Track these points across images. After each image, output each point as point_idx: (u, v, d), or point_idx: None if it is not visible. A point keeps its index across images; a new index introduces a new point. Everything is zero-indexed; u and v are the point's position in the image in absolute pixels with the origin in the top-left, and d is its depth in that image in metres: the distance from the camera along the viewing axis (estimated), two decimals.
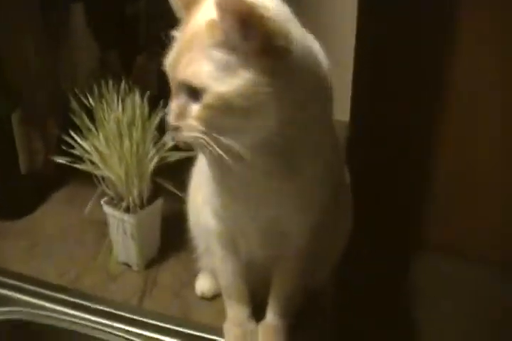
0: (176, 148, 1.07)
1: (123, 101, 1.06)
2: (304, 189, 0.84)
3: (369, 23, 1.34)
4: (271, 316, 1.01)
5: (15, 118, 1.21)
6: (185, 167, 1.04)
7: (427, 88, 1.64)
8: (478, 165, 1.76)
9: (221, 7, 0.65)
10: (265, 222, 0.89)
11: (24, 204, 1.30)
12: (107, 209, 1.12)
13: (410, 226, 1.89)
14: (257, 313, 1.02)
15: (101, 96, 1.07)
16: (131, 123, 1.04)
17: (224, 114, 0.70)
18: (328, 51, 0.79)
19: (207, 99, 0.70)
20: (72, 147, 1.09)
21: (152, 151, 1.06)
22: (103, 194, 1.12)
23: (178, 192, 1.08)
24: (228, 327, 1.01)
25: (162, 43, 0.76)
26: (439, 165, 1.78)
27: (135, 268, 1.15)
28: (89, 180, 1.12)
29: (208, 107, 0.70)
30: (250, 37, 0.66)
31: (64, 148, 1.09)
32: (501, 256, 1.81)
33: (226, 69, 0.68)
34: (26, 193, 1.30)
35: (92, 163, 1.08)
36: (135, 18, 1.41)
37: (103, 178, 1.10)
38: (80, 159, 1.10)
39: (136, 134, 1.04)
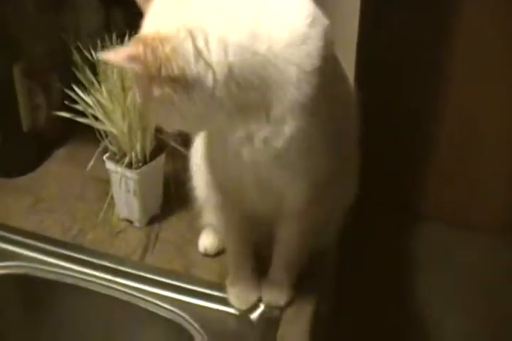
0: None
1: None
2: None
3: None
4: (275, 272, 1.01)
5: (16, 69, 1.19)
6: None
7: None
8: (478, 132, 1.75)
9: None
10: (258, 182, 0.88)
11: (26, 162, 1.30)
12: (110, 164, 1.11)
13: (410, 194, 1.89)
14: (261, 270, 1.02)
15: (104, 49, 1.05)
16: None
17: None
18: None
19: None
20: (75, 102, 1.08)
21: None
22: (106, 150, 1.12)
23: (181, 148, 1.08)
24: (231, 281, 1.02)
25: None
26: (440, 132, 1.78)
27: (137, 224, 1.15)
28: (91, 137, 1.12)
29: None
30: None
31: (67, 103, 1.08)
32: (502, 224, 1.81)
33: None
34: (28, 150, 1.29)
35: (95, 117, 1.07)
36: None
37: (106, 134, 1.10)
38: (83, 115, 1.09)
39: None
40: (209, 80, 0.71)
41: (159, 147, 1.11)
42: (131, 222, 1.16)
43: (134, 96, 1.01)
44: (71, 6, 1.31)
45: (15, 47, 1.19)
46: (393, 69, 1.66)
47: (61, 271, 1.08)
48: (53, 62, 1.29)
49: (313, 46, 0.75)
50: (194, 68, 0.71)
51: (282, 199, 0.91)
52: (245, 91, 0.73)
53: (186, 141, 1.06)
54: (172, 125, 0.84)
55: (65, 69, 1.15)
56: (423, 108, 1.74)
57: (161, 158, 1.12)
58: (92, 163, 1.13)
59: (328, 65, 0.77)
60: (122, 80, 1.03)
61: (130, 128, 1.05)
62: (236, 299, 1.01)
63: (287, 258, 1.00)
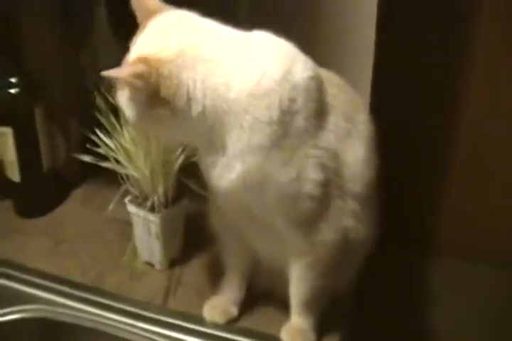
0: None
1: None
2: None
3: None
4: (295, 317, 1.00)
5: (38, 112, 1.20)
6: None
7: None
8: (491, 166, 1.75)
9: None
10: (248, 214, 0.91)
11: (46, 202, 1.30)
12: (131, 208, 1.11)
13: (423, 229, 1.88)
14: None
15: None
16: None
17: None
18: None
19: None
20: (97, 145, 1.08)
21: (179, 149, 1.05)
22: (127, 193, 1.12)
23: (203, 192, 1.08)
24: (208, 307, 1.05)
25: None
26: (453, 165, 1.77)
27: (158, 267, 1.14)
28: (110, 179, 1.12)
29: None
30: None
31: (88, 146, 1.09)
32: None
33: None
34: (48, 191, 1.30)
35: (117, 161, 1.08)
36: None
37: (127, 177, 1.10)
38: (104, 157, 1.09)
39: None
40: (188, 112, 0.80)
41: (181, 190, 1.11)
42: (151, 265, 1.15)
43: (158, 140, 1.03)
44: (90, 47, 1.33)
45: (37, 90, 1.20)
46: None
47: (81, 314, 1.07)
48: (73, 105, 1.30)
49: (275, 100, 0.79)
50: (181, 98, 0.79)
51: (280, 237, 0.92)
52: (209, 129, 0.82)
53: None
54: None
55: (86, 113, 1.16)
56: (434, 142, 1.74)
57: (184, 202, 1.12)
58: (112, 205, 1.12)
59: (295, 117, 0.81)
60: None
61: (152, 171, 1.06)
62: (209, 310, 1.05)
63: (303, 301, 0.99)
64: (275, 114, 0.80)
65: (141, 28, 0.86)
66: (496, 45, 1.54)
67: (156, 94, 0.78)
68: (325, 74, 0.90)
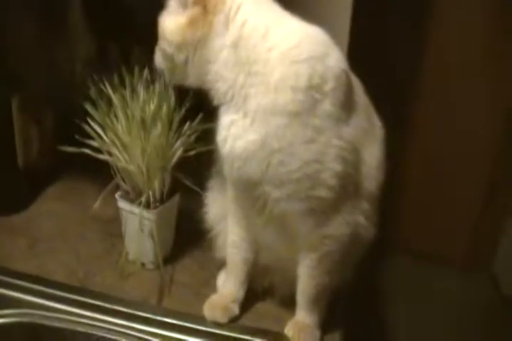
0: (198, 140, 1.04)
1: (146, 90, 1.01)
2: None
3: None
4: (301, 314, 0.99)
5: (14, 103, 1.13)
6: (200, 161, 1.03)
7: None
8: (447, 172, 1.79)
9: None
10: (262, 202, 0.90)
11: (20, 198, 1.22)
12: (123, 204, 1.06)
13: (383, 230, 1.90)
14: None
15: (121, 85, 1.01)
16: (156, 113, 0.99)
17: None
18: None
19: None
20: (89, 137, 1.03)
21: (178, 143, 1.01)
22: (114, 188, 1.07)
23: (196, 188, 1.04)
24: (208, 306, 1.01)
25: None
26: (411, 172, 1.80)
27: (150, 266, 1.09)
28: (84, 174, 1.07)
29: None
30: None
31: (78, 138, 1.03)
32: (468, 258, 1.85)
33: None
34: (22, 186, 1.22)
35: (110, 154, 1.02)
36: (132, 8, 1.34)
37: (119, 171, 1.04)
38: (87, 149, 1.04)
39: (162, 124, 0.99)
40: (223, 37, 0.83)
41: (174, 186, 1.07)
42: (142, 264, 1.10)
43: (155, 130, 0.99)
44: (65, 39, 1.26)
45: (13, 81, 1.13)
46: None
47: (70, 317, 1.00)
48: (50, 97, 1.23)
49: (305, 71, 0.81)
50: (222, 16, 0.83)
51: (291, 231, 0.92)
52: (237, 73, 0.83)
53: (199, 179, 1.04)
54: (192, 77, 0.90)
55: (63, 106, 1.11)
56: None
57: (176, 198, 1.08)
58: (98, 201, 1.07)
59: (323, 98, 0.82)
60: (143, 116, 0.99)
61: (149, 165, 1.01)
62: (210, 309, 1.01)
63: (310, 298, 0.97)
64: (302, 83, 0.81)
65: None
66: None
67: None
68: (352, 75, 0.92)
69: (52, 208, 1.23)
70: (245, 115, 0.84)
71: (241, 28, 0.82)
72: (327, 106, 0.83)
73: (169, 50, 0.88)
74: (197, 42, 0.85)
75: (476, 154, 1.74)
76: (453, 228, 1.86)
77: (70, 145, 1.04)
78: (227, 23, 0.83)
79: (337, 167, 0.85)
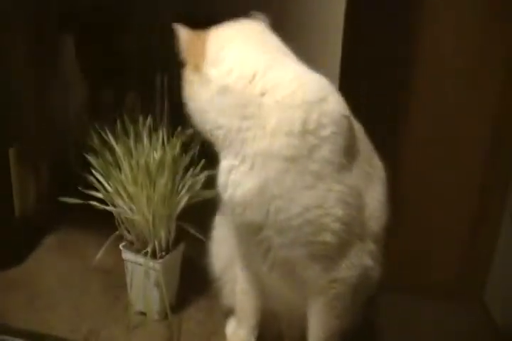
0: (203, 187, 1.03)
1: (149, 137, 1.00)
2: None
3: None
4: None
5: (12, 154, 1.11)
6: (202, 209, 1.01)
7: None
8: (430, 204, 1.80)
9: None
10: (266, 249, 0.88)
11: (17, 251, 1.19)
12: (128, 255, 1.03)
13: None
14: None
15: (124, 133, 1.00)
16: (161, 161, 0.98)
17: None
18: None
19: None
20: (91, 187, 1.00)
21: (183, 190, 1.00)
22: (118, 238, 1.04)
23: (200, 235, 1.02)
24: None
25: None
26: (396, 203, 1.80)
27: (156, 317, 1.06)
28: (83, 224, 1.05)
29: None
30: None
31: (80, 189, 1.01)
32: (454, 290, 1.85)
33: None
34: (20, 238, 1.18)
35: (113, 205, 1.00)
36: (122, 55, 1.34)
37: (122, 221, 1.02)
38: (89, 198, 1.01)
39: (168, 172, 0.98)
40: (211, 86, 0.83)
41: (179, 234, 1.05)
42: (147, 316, 1.06)
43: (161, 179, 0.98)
44: (59, 88, 1.25)
45: (11, 132, 1.11)
46: None
47: None
48: (46, 147, 1.21)
49: (300, 116, 0.80)
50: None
51: (297, 276, 0.89)
52: (231, 110, 0.82)
53: (203, 227, 1.02)
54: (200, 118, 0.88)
55: (58, 155, 1.09)
56: None
57: (181, 246, 1.06)
58: (101, 252, 1.04)
59: (321, 144, 0.81)
60: (148, 164, 0.97)
61: (154, 214, 0.99)
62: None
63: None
64: (296, 128, 0.80)
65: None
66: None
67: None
68: (352, 119, 0.91)
69: (51, 260, 1.20)
70: (244, 160, 0.83)
71: (225, 76, 0.82)
72: (326, 152, 0.82)
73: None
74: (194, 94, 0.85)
75: (462, 180, 1.75)
76: (441, 259, 1.86)
77: (70, 195, 1.02)
78: (212, 72, 0.83)
79: (339, 212, 0.84)
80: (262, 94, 0.81)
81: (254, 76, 0.81)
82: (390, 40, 1.60)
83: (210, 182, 0.97)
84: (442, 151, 1.72)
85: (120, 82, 1.32)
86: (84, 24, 1.27)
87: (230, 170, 0.85)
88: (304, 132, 0.80)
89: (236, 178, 0.84)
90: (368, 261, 0.93)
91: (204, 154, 0.99)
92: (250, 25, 0.88)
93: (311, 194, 0.82)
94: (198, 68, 0.84)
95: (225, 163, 0.86)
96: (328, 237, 0.85)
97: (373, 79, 1.57)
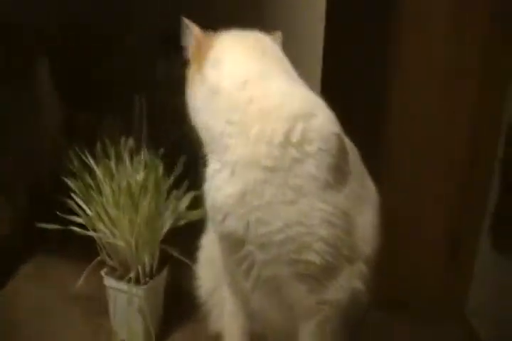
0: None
1: (131, 159, 0.97)
2: None
3: None
4: None
5: None
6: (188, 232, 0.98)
7: None
8: (413, 218, 1.79)
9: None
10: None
11: None
12: (110, 281, 1.00)
13: None
14: None
15: (105, 156, 0.97)
16: (144, 183, 0.95)
17: None
18: None
19: None
20: (71, 213, 0.97)
21: (167, 213, 0.97)
22: (99, 265, 1.00)
23: (185, 259, 0.99)
24: None
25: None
26: None
27: None
28: (60, 251, 1.02)
29: None
30: None
31: (59, 214, 0.97)
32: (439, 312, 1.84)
33: None
34: None
35: (94, 229, 0.97)
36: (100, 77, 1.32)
37: (104, 247, 0.99)
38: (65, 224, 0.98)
39: (151, 194, 0.95)
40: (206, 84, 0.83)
41: (162, 259, 1.02)
42: None
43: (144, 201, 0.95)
44: (34, 110, 1.22)
45: None
46: None
47: None
48: (20, 172, 1.17)
49: (283, 127, 0.79)
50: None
51: (284, 297, 0.87)
52: (218, 112, 0.82)
53: (189, 250, 0.99)
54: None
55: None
56: None
57: (165, 271, 1.03)
58: (82, 279, 1.00)
59: (306, 159, 0.80)
60: (130, 187, 0.94)
61: (138, 238, 0.96)
62: None
63: None
64: (277, 139, 0.78)
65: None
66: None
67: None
68: (346, 140, 0.89)
69: (29, 288, 1.15)
70: (225, 165, 0.81)
71: (220, 78, 0.81)
72: (311, 167, 0.80)
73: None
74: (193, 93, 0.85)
75: (438, 199, 1.75)
76: (421, 277, 1.85)
77: (48, 220, 0.99)
78: (209, 73, 0.82)
79: (323, 232, 0.82)
80: (250, 102, 0.80)
81: (245, 83, 0.81)
82: (369, 50, 1.62)
83: (195, 204, 0.95)
84: (423, 154, 1.73)
85: (98, 105, 1.30)
86: (61, 47, 1.25)
87: (213, 175, 0.83)
88: (286, 144, 0.79)
89: (218, 183, 0.82)
90: (358, 284, 0.91)
91: (188, 175, 0.97)
92: (259, 36, 0.87)
93: (293, 209, 0.80)
94: (200, 67, 0.84)
95: (210, 168, 0.84)
96: (311, 257, 0.83)
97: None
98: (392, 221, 1.76)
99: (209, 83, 0.82)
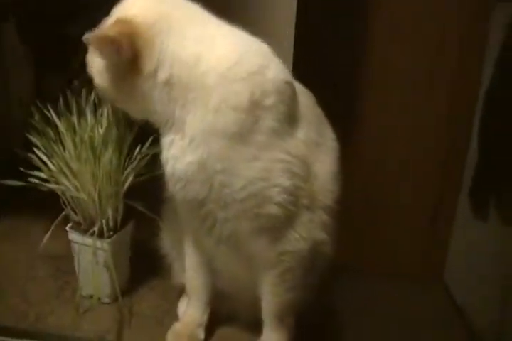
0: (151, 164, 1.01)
1: (94, 114, 0.98)
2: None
3: None
4: (268, 333, 0.95)
5: None
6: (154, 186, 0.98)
7: None
8: (393, 193, 1.83)
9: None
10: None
11: None
12: (74, 236, 1.00)
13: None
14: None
15: (67, 110, 0.98)
16: (106, 137, 0.96)
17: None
18: None
19: None
20: (33, 169, 0.98)
21: (129, 167, 0.98)
22: (65, 222, 1.01)
23: (151, 214, 1.00)
24: (172, 335, 0.97)
25: None
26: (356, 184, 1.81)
27: (106, 300, 1.04)
28: (26, 209, 1.02)
29: None
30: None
31: (22, 170, 0.97)
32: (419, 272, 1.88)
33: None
34: None
35: (57, 183, 0.98)
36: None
37: (68, 201, 1.00)
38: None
39: (112, 148, 0.96)
40: (155, 79, 0.81)
41: (127, 213, 1.02)
42: (97, 299, 1.03)
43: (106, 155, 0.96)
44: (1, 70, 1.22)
45: None
46: None
47: None
48: None
49: (246, 88, 0.79)
50: (151, 62, 0.80)
51: (245, 250, 0.89)
52: (173, 103, 0.81)
53: (154, 205, 1.00)
54: (128, 109, 0.89)
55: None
56: None
57: (131, 225, 1.03)
58: (47, 236, 1.01)
59: (265, 113, 0.80)
60: (92, 141, 0.95)
61: (100, 192, 0.97)
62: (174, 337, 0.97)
63: (276, 316, 0.94)
64: (245, 102, 0.79)
65: None
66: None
67: (133, 55, 0.79)
68: (298, 86, 0.90)
69: None
70: (183, 136, 0.82)
71: (170, 67, 0.80)
72: (270, 121, 0.81)
73: (99, 88, 0.88)
74: (128, 86, 0.83)
75: (420, 163, 1.79)
76: (402, 243, 1.88)
77: (11, 177, 0.99)
78: (155, 66, 0.80)
79: (285, 182, 0.83)
80: (204, 74, 0.79)
81: (197, 58, 0.80)
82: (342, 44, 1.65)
83: (158, 160, 0.95)
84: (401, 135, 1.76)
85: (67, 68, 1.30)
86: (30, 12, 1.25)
87: (170, 145, 0.84)
88: (251, 104, 0.79)
89: (176, 153, 0.83)
90: (320, 234, 0.92)
91: (153, 130, 0.98)
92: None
93: (256, 166, 0.81)
94: (138, 58, 0.80)
95: (166, 138, 0.85)
96: (273, 209, 0.84)
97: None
98: (370, 187, 1.81)
99: (157, 77, 0.80)
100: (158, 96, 0.82)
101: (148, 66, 0.80)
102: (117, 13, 0.84)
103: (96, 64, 0.85)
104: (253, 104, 0.79)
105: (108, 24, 0.82)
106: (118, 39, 0.78)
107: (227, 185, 0.81)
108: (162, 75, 0.80)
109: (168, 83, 0.80)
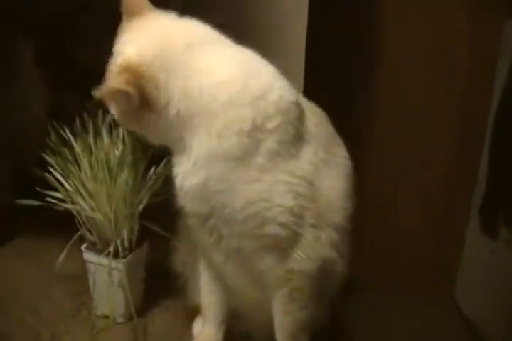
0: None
1: (110, 134, 0.98)
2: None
3: None
4: None
5: None
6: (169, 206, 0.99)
7: None
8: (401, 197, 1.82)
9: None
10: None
11: None
12: (89, 255, 1.01)
13: None
14: None
15: (83, 130, 0.98)
16: (122, 158, 0.96)
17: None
18: None
19: None
20: (50, 189, 0.98)
21: (145, 188, 0.98)
22: (80, 242, 1.02)
23: (165, 233, 1.00)
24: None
25: None
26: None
27: (121, 319, 1.04)
28: (42, 229, 1.03)
29: None
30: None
31: (39, 189, 0.98)
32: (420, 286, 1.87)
33: None
34: None
35: (73, 203, 0.98)
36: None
37: (83, 222, 1.00)
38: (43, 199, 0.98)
39: (128, 169, 0.96)
40: (167, 114, 0.81)
41: (142, 233, 1.03)
42: (112, 318, 1.03)
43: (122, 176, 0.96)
44: (18, 91, 1.23)
45: None
46: None
47: None
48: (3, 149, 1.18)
49: (249, 113, 0.79)
50: (161, 100, 0.80)
51: (253, 268, 0.89)
52: (182, 130, 0.82)
53: (168, 225, 1.00)
54: (146, 136, 0.89)
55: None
56: None
57: (146, 245, 1.04)
58: (62, 256, 1.01)
59: (268, 136, 0.80)
60: (108, 161, 0.96)
61: (116, 212, 0.97)
62: None
63: (289, 334, 0.93)
64: (247, 127, 0.79)
65: (125, 26, 0.87)
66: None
67: (142, 99, 0.80)
68: (308, 104, 0.91)
69: (10, 267, 1.16)
70: (189, 159, 0.83)
71: (178, 101, 0.81)
72: (272, 143, 0.81)
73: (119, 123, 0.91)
74: (144, 122, 0.84)
75: (428, 180, 1.78)
76: (413, 260, 1.87)
77: (27, 197, 1.00)
78: (165, 102, 0.81)
79: (288, 203, 0.83)
80: (209, 102, 0.80)
81: (200, 89, 0.80)
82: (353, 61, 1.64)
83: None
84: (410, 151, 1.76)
85: (79, 81, 1.31)
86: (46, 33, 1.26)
87: (179, 163, 0.85)
88: (254, 129, 0.80)
89: (183, 172, 0.84)
90: (329, 252, 0.91)
91: (168, 151, 0.98)
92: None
93: (256, 187, 0.82)
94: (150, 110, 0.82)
95: (176, 157, 0.86)
96: (276, 230, 0.84)
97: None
98: (380, 202, 1.80)
99: (169, 114, 0.81)
100: (171, 126, 0.83)
101: (159, 104, 0.81)
102: (116, 49, 0.85)
103: (111, 109, 0.86)
104: (255, 128, 0.80)
105: (112, 74, 0.83)
106: (124, 91, 0.78)
107: (227, 206, 0.82)
108: (173, 110, 0.81)
109: (178, 115, 0.81)
